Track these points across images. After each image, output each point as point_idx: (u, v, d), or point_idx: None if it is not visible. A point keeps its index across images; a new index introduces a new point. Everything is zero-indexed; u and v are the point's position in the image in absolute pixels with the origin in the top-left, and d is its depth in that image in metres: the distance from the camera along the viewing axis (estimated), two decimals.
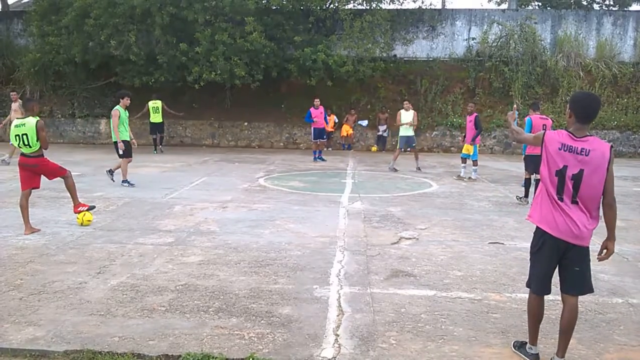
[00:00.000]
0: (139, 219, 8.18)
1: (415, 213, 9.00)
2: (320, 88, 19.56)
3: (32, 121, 7.22)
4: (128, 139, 11.18)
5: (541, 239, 3.79)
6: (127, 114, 11.35)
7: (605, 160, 3.57)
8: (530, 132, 9.94)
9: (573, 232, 3.63)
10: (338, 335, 4.24)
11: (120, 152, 11.11)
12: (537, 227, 3.82)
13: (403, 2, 20.79)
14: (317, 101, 16.84)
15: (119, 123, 10.97)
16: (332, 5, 19.98)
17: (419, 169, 14.61)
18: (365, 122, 20.87)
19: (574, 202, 3.62)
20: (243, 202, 9.69)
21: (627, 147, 19.80)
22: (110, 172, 11.54)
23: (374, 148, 20.67)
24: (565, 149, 3.61)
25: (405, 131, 14.28)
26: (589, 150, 3.57)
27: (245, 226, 7.84)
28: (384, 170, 14.64)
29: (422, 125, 20.53)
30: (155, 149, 18.74)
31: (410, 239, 7.31)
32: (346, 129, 20.46)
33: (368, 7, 20.24)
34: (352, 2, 20.30)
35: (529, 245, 6.87)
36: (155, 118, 18.74)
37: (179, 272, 5.68)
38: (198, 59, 18.20)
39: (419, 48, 22.10)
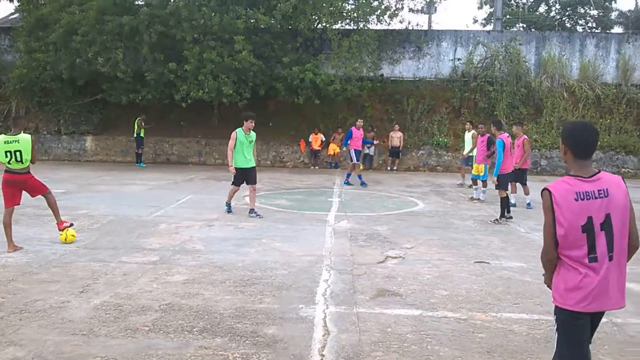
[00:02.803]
0: (124, 237, 8.11)
1: (401, 232, 9.02)
2: (307, 106, 19.66)
3: (27, 137, 7.21)
4: (243, 166, 10.02)
5: (571, 319, 3.03)
6: (252, 139, 10.11)
7: (624, 194, 3.01)
8: (503, 151, 10.16)
9: (614, 298, 2.99)
10: (323, 356, 4.21)
11: (233, 178, 10.22)
12: (568, 310, 3.03)
13: (390, 23, 21.08)
14: (360, 122, 15.58)
15: (235, 147, 9.94)
16: (320, 26, 20.17)
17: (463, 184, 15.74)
18: None
19: (610, 258, 2.95)
20: (229, 221, 9.65)
21: (610, 168, 20.04)
22: (252, 211, 10.18)
23: (361, 167, 20.71)
24: (583, 196, 2.93)
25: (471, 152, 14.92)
26: (607, 188, 2.96)
27: (231, 245, 7.80)
28: (371, 189, 14.68)
29: (408, 145, 20.69)
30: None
31: (396, 258, 7.31)
32: (333, 148, 20.51)
33: (356, 28, 20.47)
34: (339, 22, 20.52)
35: (514, 264, 7.00)
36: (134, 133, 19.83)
37: (163, 292, 5.62)
38: (186, 77, 18.24)
39: (406, 68, 22.35)
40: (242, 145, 9.97)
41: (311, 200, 12.75)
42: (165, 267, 6.53)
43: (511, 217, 10.30)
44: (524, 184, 12.09)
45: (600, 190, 2.95)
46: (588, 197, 2.93)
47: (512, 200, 11.81)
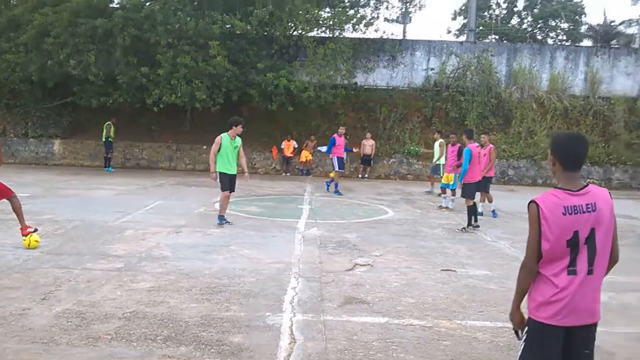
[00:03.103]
0: (88, 243, 7.98)
1: (370, 240, 9.06)
2: (281, 113, 19.68)
3: None
4: (228, 172, 9.66)
5: (542, 332, 2.91)
6: (237, 144, 9.85)
7: (610, 208, 2.92)
8: (470, 161, 10.31)
9: (589, 312, 2.89)
10: None
11: (220, 184, 9.75)
12: (540, 322, 2.91)
13: (365, 32, 21.22)
14: (342, 129, 15.72)
15: (219, 152, 9.58)
16: (295, 33, 20.21)
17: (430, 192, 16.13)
18: (324, 148, 20.99)
19: (590, 272, 2.86)
20: (198, 227, 9.57)
21: None
22: (220, 218, 9.89)
23: (333, 174, 20.74)
24: (571, 211, 2.84)
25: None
26: (595, 202, 2.87)
27: (198, 251, 7.73)
28: (341, 197, 14.72)
29: (380, 153, 20.83)
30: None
31: (365, 265, 7.34)
32: (305, 155, 20.55)
33: (331, 35, 20.59)
34: (315, 30, 20.60)
35: (479, 272, 7.09)
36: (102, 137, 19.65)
37: (127, 299, 5.54)
38: (159, 81, 18.12)
39: (380, 77, 22.53)
40: (227, 150, 9.66)
41: (282, 207, 12.73)
42: (131, 274, 6.44)
43: (478, 226, 10.44)
44: (486, 192, 12.30)
45: (589, 204, 2.86)
46: (576, 211, 2.84)
47: (480, 209, 12.01)
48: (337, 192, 15.09)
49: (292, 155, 20.68)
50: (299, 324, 5.04)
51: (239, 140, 9.94)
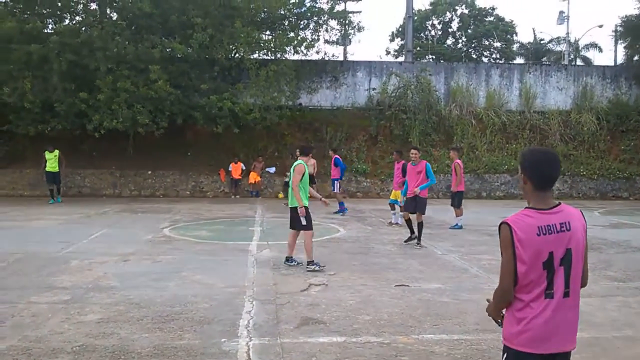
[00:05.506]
0: (32, 276, 7.64)
1: (324, 259, 9.02)
2: (227, 135, 19.57)
3: None
4: (307, 205, 8.35)
5: None
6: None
7: (583, 228, 2.81)
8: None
9: (568, 338, 2.76)
10: None
11: (303, 221, 8.25)
12: (517, 350, 2.76)
13: (307, 53, 21.44)
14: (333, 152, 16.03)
15: (300, 184, 8.25)
16: (237, 55, 20.22)
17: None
18: (272, 169, 20.99)
19: (566, 294, 2.74)
20: (146, 254, 9.32)
21: (517, 190, 21.16)
22: (316, 264, 8.24)
23: (282, 195, 20.73)
24: (545, 231, 2.70)
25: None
26: (569, 221, 2.75)
27: (148, 279, 7.52)
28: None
29: (328, 172, 20.91)
30: (53, 198, 18.07)
31: (319, 285, 7.32)
32: (254, 176, 20.46)
33: (273, 57, 20.69)
34: (257, 52, 20.68)
35: (432, 286, 7.20)
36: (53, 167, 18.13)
37: (75, 332, 5.32)
38: (99, 107, 17.71)
39: (324, 97, 22.79)
40: (306, 181, 8.41)
41: (233, 230, 12.59)
42: (78, 306, 6.19)
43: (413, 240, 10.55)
44: (457, 207, 12.73)
45: (563, 223, 2.73)
46: (550, 231, 2.70)
47: (459, 223, 12.50)
48: (340, 211, 15.46)
49: (240, 177, 20.53)
50: (256, 349, 4.96)
51: None
